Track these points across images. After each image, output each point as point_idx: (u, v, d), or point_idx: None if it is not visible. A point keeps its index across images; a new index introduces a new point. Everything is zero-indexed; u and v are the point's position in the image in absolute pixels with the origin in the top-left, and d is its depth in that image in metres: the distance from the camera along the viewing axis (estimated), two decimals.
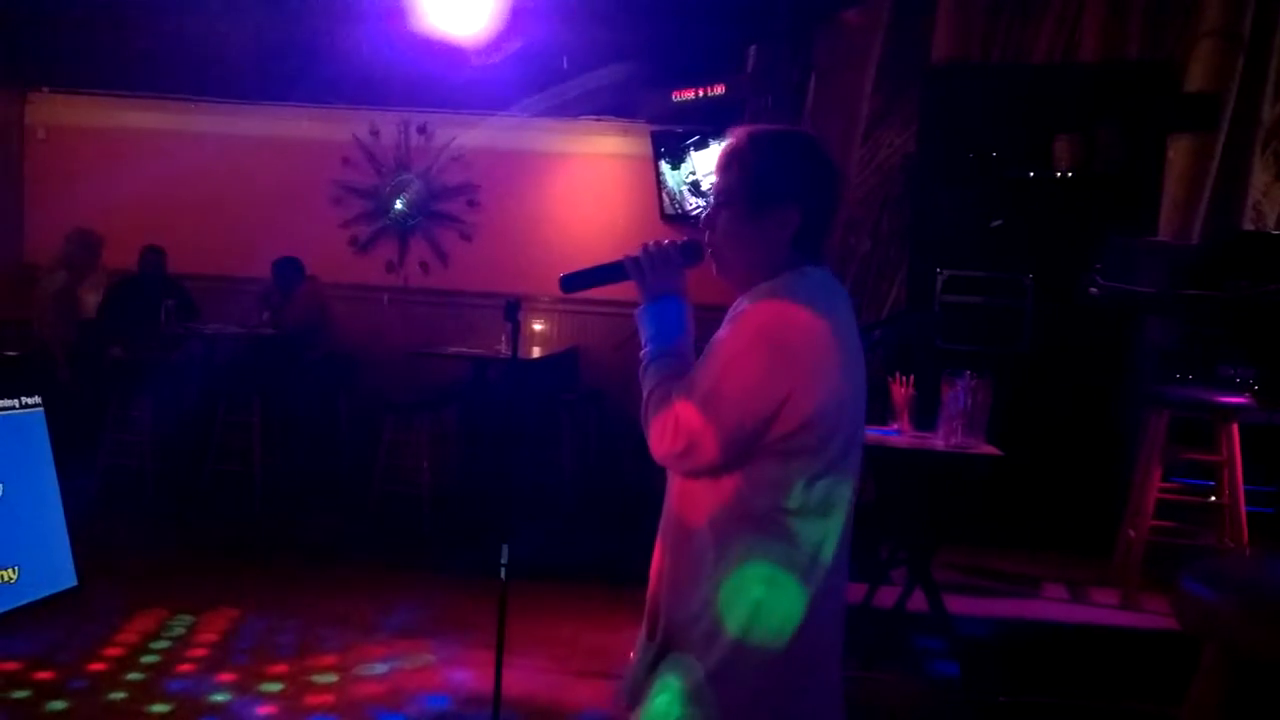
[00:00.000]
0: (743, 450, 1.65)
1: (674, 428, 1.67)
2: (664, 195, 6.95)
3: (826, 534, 1.69)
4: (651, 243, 1.84)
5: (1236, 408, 4.25)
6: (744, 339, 1.66)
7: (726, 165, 1.78)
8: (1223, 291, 3.73)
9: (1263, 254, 4.61)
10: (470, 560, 4.57)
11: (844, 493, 1.71)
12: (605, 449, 6.73)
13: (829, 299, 1.71)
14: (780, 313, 1.66)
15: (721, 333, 1.71)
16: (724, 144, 1.80)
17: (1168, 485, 4.32)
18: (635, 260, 1.83)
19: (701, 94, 6.49)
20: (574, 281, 1.92)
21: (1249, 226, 5.45)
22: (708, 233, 1.80)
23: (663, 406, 1.70)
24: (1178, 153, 5.44)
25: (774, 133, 1.82)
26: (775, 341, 1.64)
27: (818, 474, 1.67)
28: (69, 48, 6.81)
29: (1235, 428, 4.22)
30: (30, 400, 4.38)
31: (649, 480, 1.83)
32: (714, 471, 1.68)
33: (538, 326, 7.24)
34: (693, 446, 1.66)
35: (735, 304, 1.74)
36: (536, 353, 6.90)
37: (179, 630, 4.14)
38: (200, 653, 3.93)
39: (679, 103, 6.57)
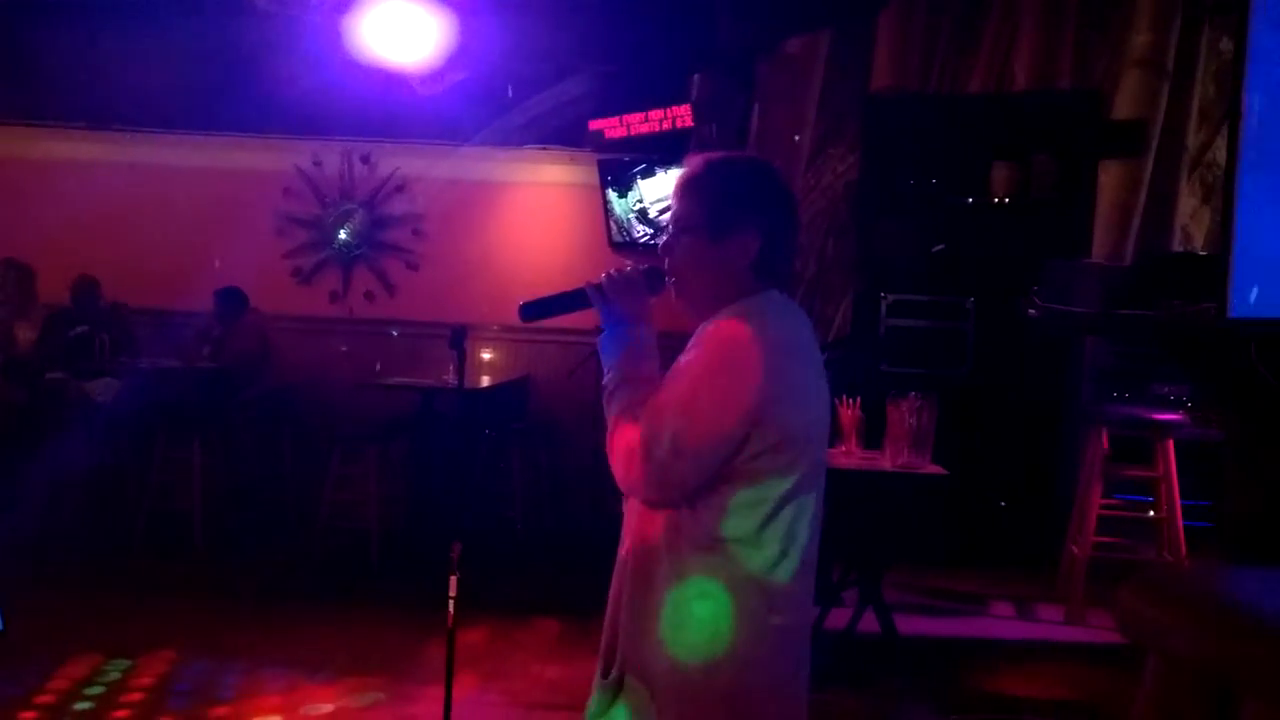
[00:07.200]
0: (711, 475, 1.62)
1: (641, 455, 1.62)
2: (611, 223, 6.97)
3: (789, 557, 1.67)
4: (615, 269, 1.81)
5: (1171, 425, 4.36)
6: (709, 361, 1.64)
7: (685, 192, 1.77)
8: (1155, 311, 3.83)
9: (1192, 274, 4.74)
10: (419, 595, 4.50)
11: (807, 516, 1.69)
12: (557, 479, 6.68)
13: (792, 321, 1.73)
14: (745, 333, 1.64)
15: (685, 357, 1.68)
16: (681, 170, 1.79)
17: (1109, 502, 4.41)
18: (598, 287, 1.80)
19: None
20: (534, 310, 1.85)
21: (1178, 248, 5.62)
22: (667, 260, 1.79)
23: (628, 434, 1.65)
24: (1109, 178, 5.60)
25: (731, 160, 1.82)
26: (742, 362, 1.62)
27: (784, 497, 1.64)
28: None
29: (1171, 444, 4.33)
30: None
31: (600, 511, 1.80)
32: (681, 499, 1.64)
33: (487, 355, 7.19)
34: (660, 473, 1.61)
35: (699, 329, 1.72)
36: (486, 382, 6.84)
37: (114, 675, 4.00)
38: (136, 697, 3.80)
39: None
